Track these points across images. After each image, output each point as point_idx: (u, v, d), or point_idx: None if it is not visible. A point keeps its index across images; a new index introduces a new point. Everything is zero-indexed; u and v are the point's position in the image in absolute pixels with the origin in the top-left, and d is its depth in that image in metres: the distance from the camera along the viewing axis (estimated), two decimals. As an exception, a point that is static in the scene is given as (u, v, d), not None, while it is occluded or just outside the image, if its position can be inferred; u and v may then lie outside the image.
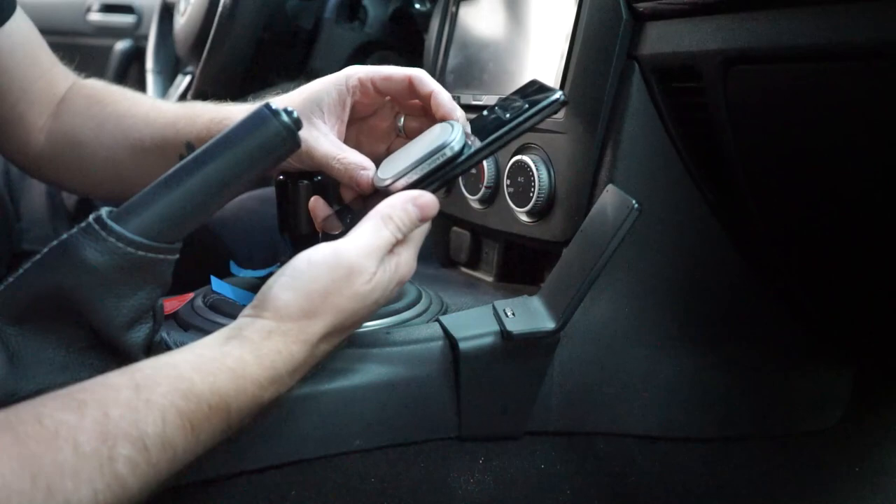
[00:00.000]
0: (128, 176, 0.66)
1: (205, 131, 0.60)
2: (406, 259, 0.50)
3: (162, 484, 0.40)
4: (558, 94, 0.51)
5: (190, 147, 0.60)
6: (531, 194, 0.63)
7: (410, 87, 0.56)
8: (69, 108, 0.68)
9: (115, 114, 0.66)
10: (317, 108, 0.56)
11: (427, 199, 0.49)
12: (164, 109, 0.65)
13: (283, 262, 0.60)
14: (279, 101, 0.59)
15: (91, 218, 0.43)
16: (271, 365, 0.44)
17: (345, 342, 0.50)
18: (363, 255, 0.46)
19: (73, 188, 0.76)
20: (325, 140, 0.55)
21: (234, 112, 0.61)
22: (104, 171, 0.67)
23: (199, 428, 0.41)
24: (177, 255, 0.46)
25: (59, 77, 0.70)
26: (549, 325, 0.53)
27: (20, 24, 0.66)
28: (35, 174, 0.73)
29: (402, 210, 0.48)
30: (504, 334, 0.53)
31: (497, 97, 0.71)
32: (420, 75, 0.56)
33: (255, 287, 0.64)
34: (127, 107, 0.67)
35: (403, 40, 1.08)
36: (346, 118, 0.58)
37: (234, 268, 0.64)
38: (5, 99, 0.67)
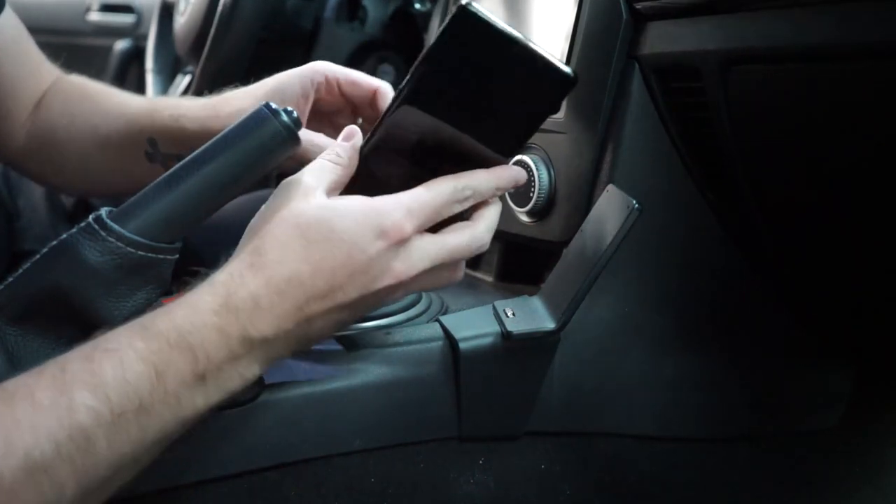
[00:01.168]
0: (95, 171, 0.66)
1: (163, 128, 0.60)
2: (395, 217, 0.43)
3: (134, 442, 0.38)
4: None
5: (153, 143, 0.60)
6: (531, 194, 0.63)
7: (372, 100, 0.55)
8: (47, 105, 0.69)
9: (88, 110, 0.66)
10: (279, 100, 0.56)
11: (348, 126, 0.49)
12: (129, 105, 0.65)
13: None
14: (240, 94, 0.60)
15: (91, 218, 0.43)
16: (225, 291, 0.41)
17: (334, 312, 0.44)
18: (298, 175, 0.45)
19: (49, 183, 0.77)
20: None
21: (190, 108, 0.60)
22: (75, 167, 0.67)
23: (164, 371, 0.38)
24: (177, 255, 0.46)
25: (45, 74, 0.71)
26: (549, 325, 0.53)
27: (9, 22, 0.66)
28: (18, 169, 0.74)
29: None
30: (504, 334, 0.53)
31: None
32: (385, 90, 0.54)
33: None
34: (97, 102, 0.67)
35: (403, 40, 1.08)
36: (307, 112, 0.57)
37: (233, 268, 0.64)
38: None
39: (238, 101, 0.59)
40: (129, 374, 0.37)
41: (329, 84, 0.56)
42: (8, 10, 0.66)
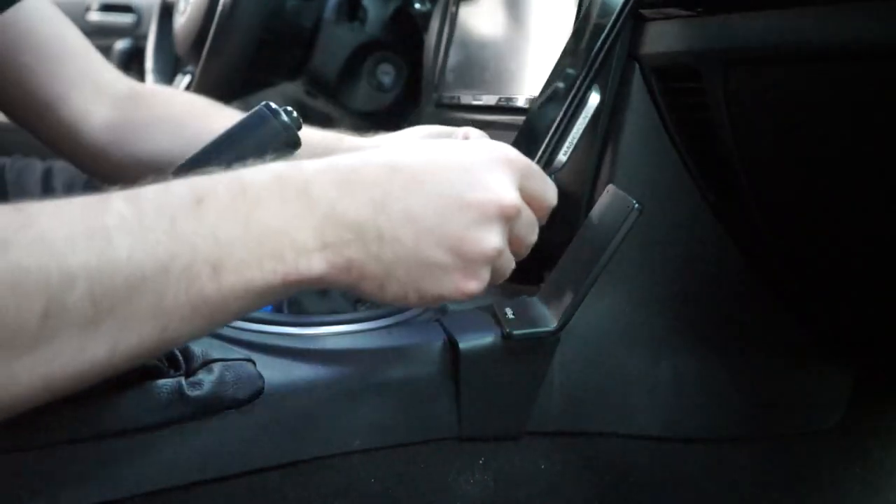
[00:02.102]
0: None
1: None
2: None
3: (156, 268, 0.34)
4: None
5: None
6: (531, 194, 0.63)
7: None
8: (157, 127, 0.66)
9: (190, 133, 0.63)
10: None
11: None
12: None
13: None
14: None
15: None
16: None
17: (420, 197, 0.41)
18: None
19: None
20: None
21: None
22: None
23: (204, 198, 0.35)
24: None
25: (106, 65, 0.68)
26: (549, 325, 0.53)
27: (38, 3, 0.65)
28: (89, 168, 0.71)
29: None
30: (504, 334, 0.53)
31: (497, 97, 0.71)
32: None
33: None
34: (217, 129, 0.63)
35: (403, 40, 1.08)
36: None
37: (233, 268, 0.64)
38: (35, 77, 0.65)
39: None
40: (170, 191, 0.35)
41: None
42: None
